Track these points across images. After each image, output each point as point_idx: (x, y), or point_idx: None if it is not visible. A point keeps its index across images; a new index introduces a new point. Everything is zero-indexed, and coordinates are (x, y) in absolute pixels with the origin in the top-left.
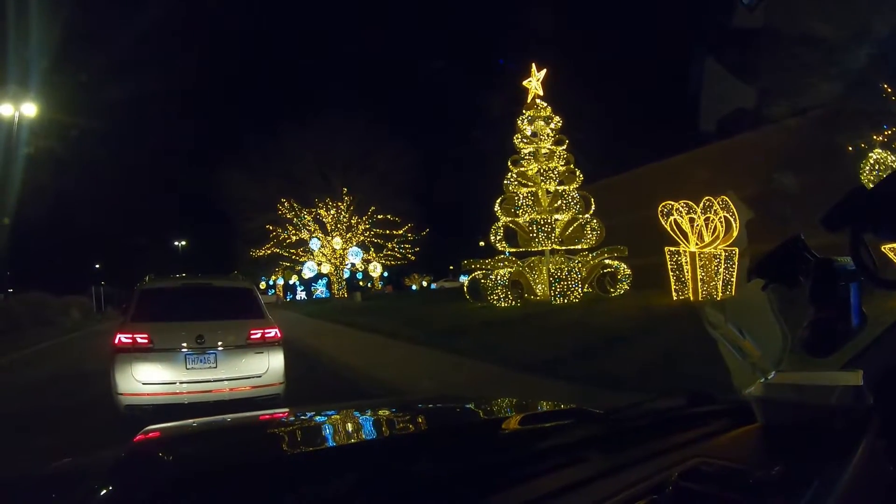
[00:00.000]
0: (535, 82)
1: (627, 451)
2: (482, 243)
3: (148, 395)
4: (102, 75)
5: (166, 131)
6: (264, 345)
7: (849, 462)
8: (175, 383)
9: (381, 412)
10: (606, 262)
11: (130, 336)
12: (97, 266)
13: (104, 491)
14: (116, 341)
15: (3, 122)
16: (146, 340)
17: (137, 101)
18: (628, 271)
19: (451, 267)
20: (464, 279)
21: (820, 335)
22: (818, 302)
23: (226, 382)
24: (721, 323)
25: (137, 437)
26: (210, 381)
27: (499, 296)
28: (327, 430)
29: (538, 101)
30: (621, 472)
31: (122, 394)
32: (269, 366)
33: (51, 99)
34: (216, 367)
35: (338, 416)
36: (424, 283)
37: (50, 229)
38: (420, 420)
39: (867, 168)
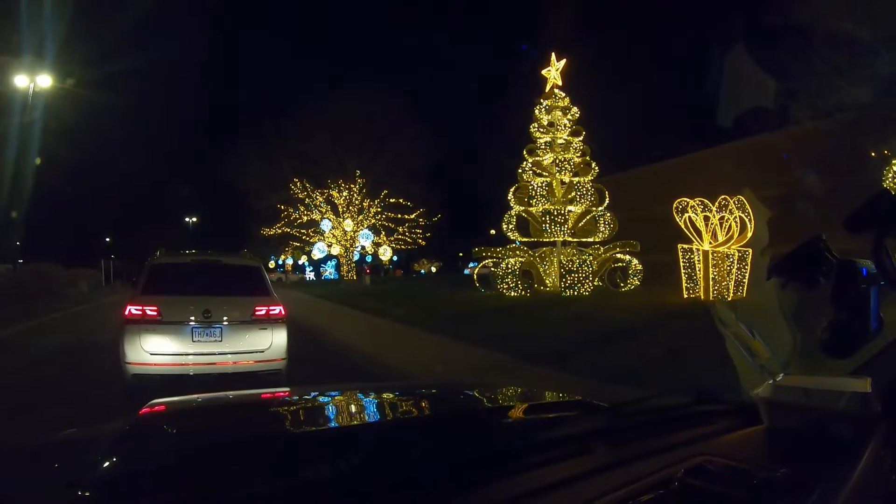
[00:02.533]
0: (554, 72)
1: (633, 446)
2: (493, 232)
3: (155, 365)
4: (117, 47)
5: (181, 107)
6: (268, 321)
7: (854, 468)
8: (181, 355)
9: (385, 395)
10: (618, 256)
11: (140, 308)
12: (107, 240)
13: (108, 462)
14: (126, 313)
15: (18, 93)
16: (155, 313)
17: (152, 76)
18: (639, 267)
19: (461, 254)
20: (473, 266)
21: (838, 337)
22: (838, 303)
23: (230, 356)
24: (732, 321)
25: (143, 411)
26: (215, 354)
27: (508, 285)
28: (331, 411)
29: (556, 90)
30: (627, 466)
31: (129, 363)
32: (273, 342)
33: (64, 70)
34: (221, 341)
35: (342, 398)
36: (433, 269)
37: (61, 201)
38: (424, 405)
39: (890, 175)
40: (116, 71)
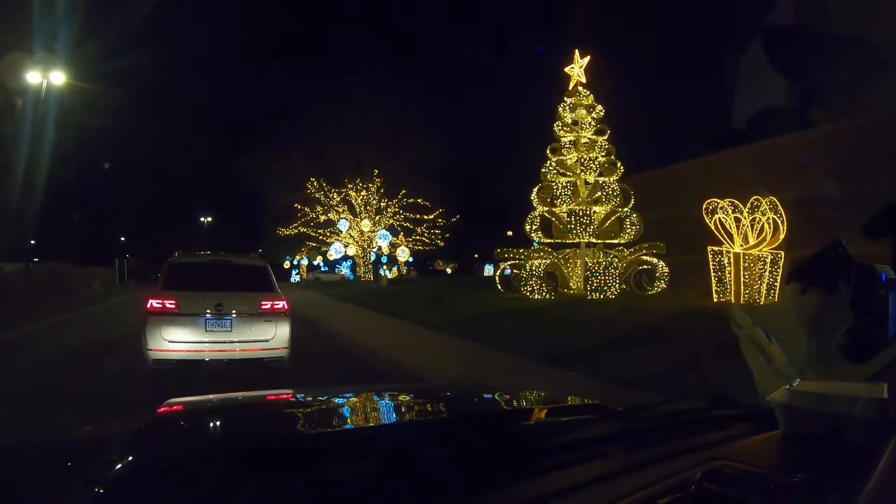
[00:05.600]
0: (577, 69)
1: (649, 450)
2: (510, 233)
3: (173, 351)
4: (132, 43)
5: (197, 106)
6: (273, 314)
7: (870, 474)
8: (196, 343)
9: (401, 397)
10: (644, 258)
11: (160, 302)
12: (122, 239)
13: (126, 460)
14: (148, 305)
15: (31, 90)
16: (174, 306)
17: (167, 75)
18: (666, 269)
19: (476, 255)
20: (489, 268)
21: (856, 341)
22: (856, 308)
23: (238, 344)
24: (748, 325)
25: (160, 409)
26: (225, 343)
27: (533, 287)
28: (348, 413)
29: (580, 88)
30: (643, 470)
31: (150, 349)
32: (276, 332)
33: (78, 68)
34: (231, 331)
35: (359, 399)
36: (448, 270)
37: (78, 201)
38: (441, 407)
39: None
40: (131, 70)
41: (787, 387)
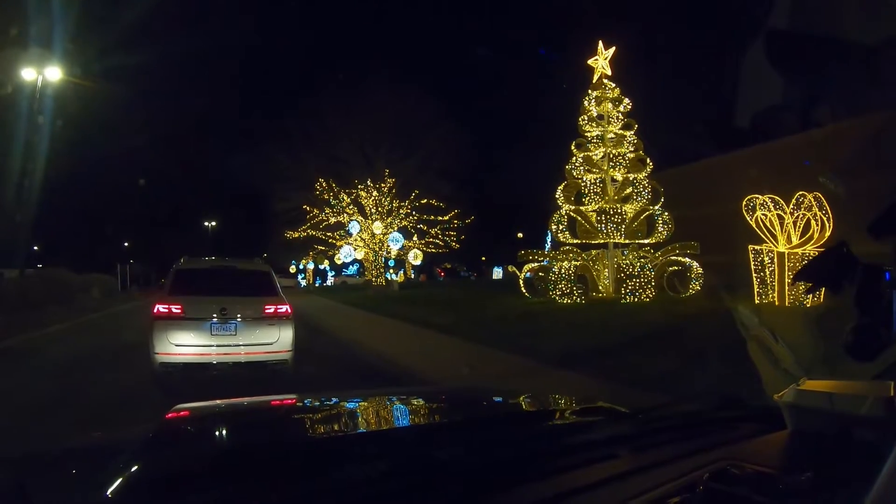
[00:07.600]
0: (601, 61)
1: (657, 451)
2: (520, 235)
3: (179, 354)
4: (137, 42)
5: (203, 106)
6: (276, 318)
7: (878, 473)
8: (202, 346)
9: (411, 400)
10: (675, 259)
11: (167, 306)
12: (125, 244)
13: (137, 465)
14: (155, 311)
15: (25, 88)
16: (180, 310)
17: (172, 72)
18: (700, 270)
19: (484, 258)
20: (497, 271)
21: (862, 340)
22: (862, 308)
23: (242, 347)
24: (754, 325)
25: (169, 415)
26: (230, 346)
27: (562, 291)
28: (359, 416)
29: (605, 81)
30: (651, 471)
31: (157, 353)
32: (280, 336)
33: (79, 67)
34: (236, 335)
35: (369, 403)
36: (463, 272)
37: (82, 206)
38: (451, 410)
39: None
40: (135, 70)
41: (794, 386)
